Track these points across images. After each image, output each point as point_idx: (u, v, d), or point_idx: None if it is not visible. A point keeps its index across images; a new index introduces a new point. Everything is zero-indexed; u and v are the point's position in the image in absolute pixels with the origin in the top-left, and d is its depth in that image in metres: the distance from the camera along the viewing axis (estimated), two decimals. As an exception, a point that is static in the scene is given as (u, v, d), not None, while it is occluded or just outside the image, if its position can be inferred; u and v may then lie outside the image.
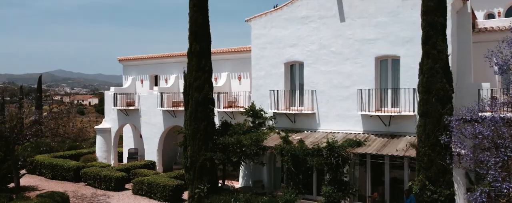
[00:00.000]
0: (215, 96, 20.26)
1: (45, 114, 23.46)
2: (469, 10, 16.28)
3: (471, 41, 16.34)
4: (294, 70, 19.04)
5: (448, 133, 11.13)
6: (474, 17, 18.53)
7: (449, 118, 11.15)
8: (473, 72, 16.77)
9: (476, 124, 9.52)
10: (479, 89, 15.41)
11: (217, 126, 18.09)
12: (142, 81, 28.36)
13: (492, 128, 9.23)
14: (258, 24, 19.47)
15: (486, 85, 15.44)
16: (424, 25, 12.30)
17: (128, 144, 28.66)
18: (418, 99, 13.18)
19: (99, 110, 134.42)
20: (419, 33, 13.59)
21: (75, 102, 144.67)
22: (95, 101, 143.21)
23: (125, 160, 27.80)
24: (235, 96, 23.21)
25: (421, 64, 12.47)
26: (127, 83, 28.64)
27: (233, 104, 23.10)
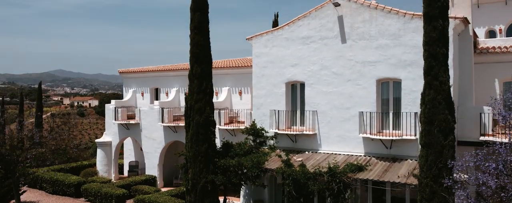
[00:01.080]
0: (216, 112, 20.33)
1: (45, 130, 23.33)
2: (471, 33, 16.25)
3: (472, 64, 16.32)
4: (295, 90, 19.01)
5: (450, 177, 11.08)
6: (475, 35, 18.52)
7: (452, 162, 11.06)
8: (475, 89, 16.74)
9: (479, 174, 9.42)
10: (480, 113, 15.41)
11: (219, 146, 18.06)
12: (142, 94, 28.33)
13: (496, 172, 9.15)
14: (259, 42, 19.44)
15: (487, 109, 15.40)
16: (426, 56, 12.26)
17: (129, 156, 28.64)
18: (419, 125, 13.15)
19: (99, 112, 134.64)
20: (420, 56, 13.60)
21: (75, 103, 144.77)
22: (95, 103, 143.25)
23: (125, 173, 27.80)
24: (236, 112, 23.22)
25: (423, 95, 12.44)
26: (127, 95, 28.62)
27: (234, 119, 23.12)
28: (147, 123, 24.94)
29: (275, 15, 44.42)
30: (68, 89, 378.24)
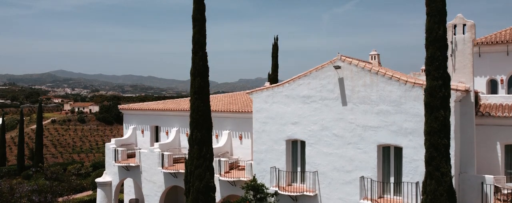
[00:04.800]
0: (215, 160, 20.29)
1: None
2: (472, 99, 16.14)
3: (474, 131, 16.19)
4: (296, 147, 18.94)
5: None
6: (476, 91, 18.45)
7: None
8: (476, 151, 16.64)
9: None
10: (482, 182, 15.33)
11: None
12: (142, 132, 28.27)
13: None
14: (259, 98, 19.36)
15: (489, 179, 15.33)
16: (428, 146, 12.18)
17: (129, 192, 28.60)
18: (421, 195, 13.06)
19: (100, 118, 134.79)
20: (422, 125, 13.53)
21: (76, 109, 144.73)
22: (96, 108, 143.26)
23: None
24: (237, 158, 23.17)
25: (425, 184, 12.37)
26: (127, 133, 28.55)
27: (235, 165, 23.05)
28: (147, 165, 24.88)
29: (275, 38, 44.41)
30: (68, 90, 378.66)
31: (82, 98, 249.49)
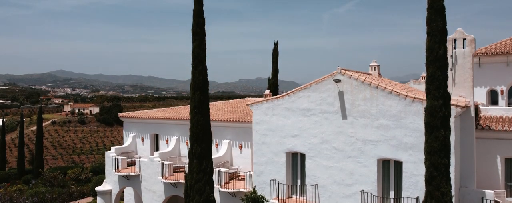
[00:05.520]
0: (215, 171, 20.30)
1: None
2: (472, 114, 16.13)
3: (474, 146, 16.20)
4: (296, 159, 18.93)
5: None
6: (476, 103, 18.45)
7: None
8: (476, 165, 16.63)
9: None
10: (482, 197, 15.32)
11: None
12: (142, 140, 28.26)
13: None
14: (259, 110, 19.35)
15: (489, 194, 15.32)
16: (428, 165, 12.16)
17: (129, 201, 28.58)
18: None
19: (100, 119, 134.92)
20: (422, 140, 13.49)
21: (76, 110, 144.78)
22: (96, 110, 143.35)
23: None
24: (237, 169, 23.16)
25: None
26: (127, 141, 28.54)
27: (234, 175, 23.04)
28: (147, 174, 24.87)
29: (275, 43, 44.46)
30: (69, 90, 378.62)
31: (82, 99, 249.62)
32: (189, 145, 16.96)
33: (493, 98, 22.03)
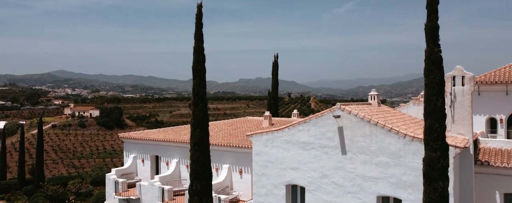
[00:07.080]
0: (215, 198, 20.39)
1: None
2: (472, 152, 16.20)
3: (473, 183, 16.28)
4: (295, 192, 19.00)
5: None
6: (475, 135, 18.51)
7: None
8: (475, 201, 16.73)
9: None
10: (481, 236, 15.40)
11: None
12: (143, 161, 28.35)
13: None
14: (259, 141, 19.42)
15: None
16: (427, 216, 12.23)
17: (130, 220, 28.73)
18: None
19: (100, 123, 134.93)
20: (420, 179, 13.54)
21: (76, 113, 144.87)
22: (96, 113, 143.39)
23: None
24: (237, 195, 23.24)
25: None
26: (128, 161, 28.64)
27: (235, 201, 23.13)
28: (147, 198, 24.98)
29: (275, 56, 44.57)
30: (69, 91, 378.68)
31: (83, 99, 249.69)
32: (189, 181, 17.04)
33: (492, 126, 22.09)
